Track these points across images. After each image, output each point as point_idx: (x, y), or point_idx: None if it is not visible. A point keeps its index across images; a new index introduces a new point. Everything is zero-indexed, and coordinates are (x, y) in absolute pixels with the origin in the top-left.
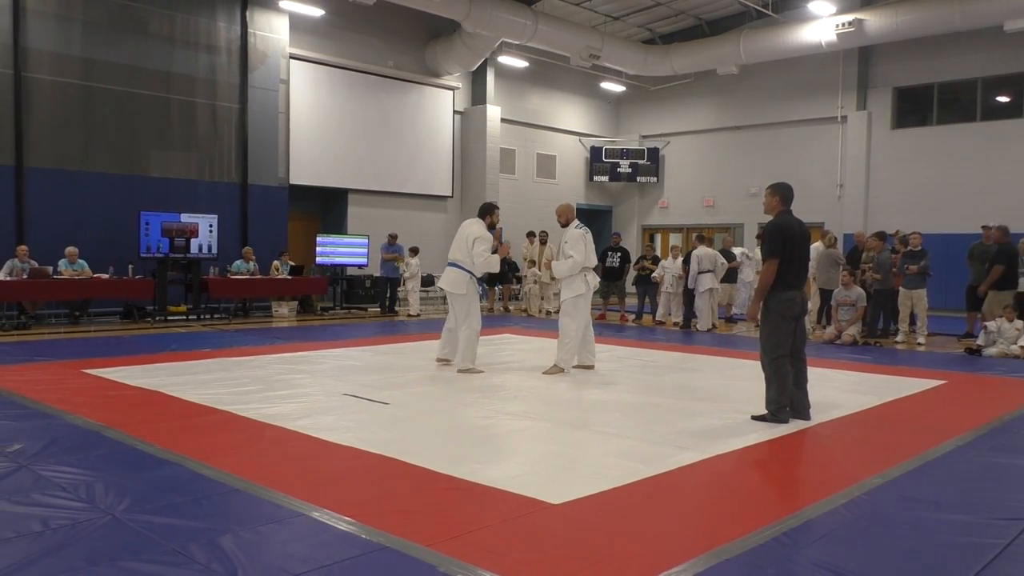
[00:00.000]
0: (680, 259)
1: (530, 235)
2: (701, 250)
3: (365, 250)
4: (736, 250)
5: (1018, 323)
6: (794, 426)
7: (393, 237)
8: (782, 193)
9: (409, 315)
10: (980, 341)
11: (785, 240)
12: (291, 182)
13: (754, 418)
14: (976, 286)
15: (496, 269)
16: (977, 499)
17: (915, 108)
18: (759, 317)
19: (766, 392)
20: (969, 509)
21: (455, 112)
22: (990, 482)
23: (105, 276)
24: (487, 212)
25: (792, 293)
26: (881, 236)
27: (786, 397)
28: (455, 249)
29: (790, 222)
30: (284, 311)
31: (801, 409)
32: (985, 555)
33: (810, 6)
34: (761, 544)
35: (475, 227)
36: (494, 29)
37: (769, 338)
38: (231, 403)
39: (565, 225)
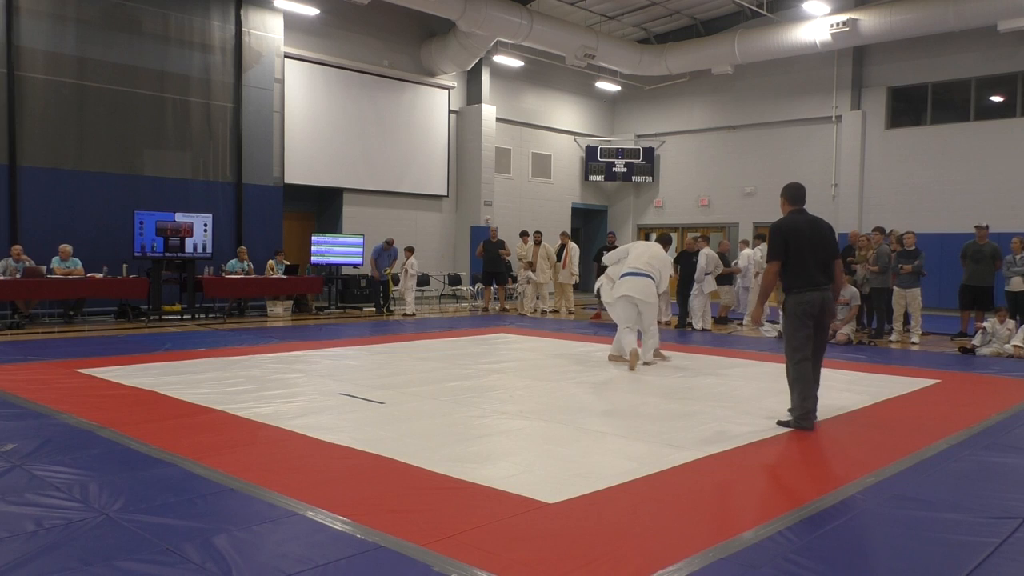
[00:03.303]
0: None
1: (523, 235)
2: (708, 251)
3: (360, 249)
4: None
5: (1010, 323)
6: (789, 427)
7: (389, 242)
8: (786, 193)
9: (405, 315)
10: (976, 341)
11: (786, 241)
12: (286, 181)
13: (780, 424)
14: (970, 285)
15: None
16: (970, 498)
17: (909, 108)
18: (767, 320)
19: (790, 398)
20: (962, 508)
21: (450, 111)
22: (983, 481)
23: (99, 275)
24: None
25: (809, 295)
26: (880, 231)
27: (811, 402)
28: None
29: (796, 221)
30: (279, 311)
31: None
32: (978, 554)
33: (804, 6)
34: (755, 543)
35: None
36: (489, 28)
37: (789, 341)
38: (225, 402)
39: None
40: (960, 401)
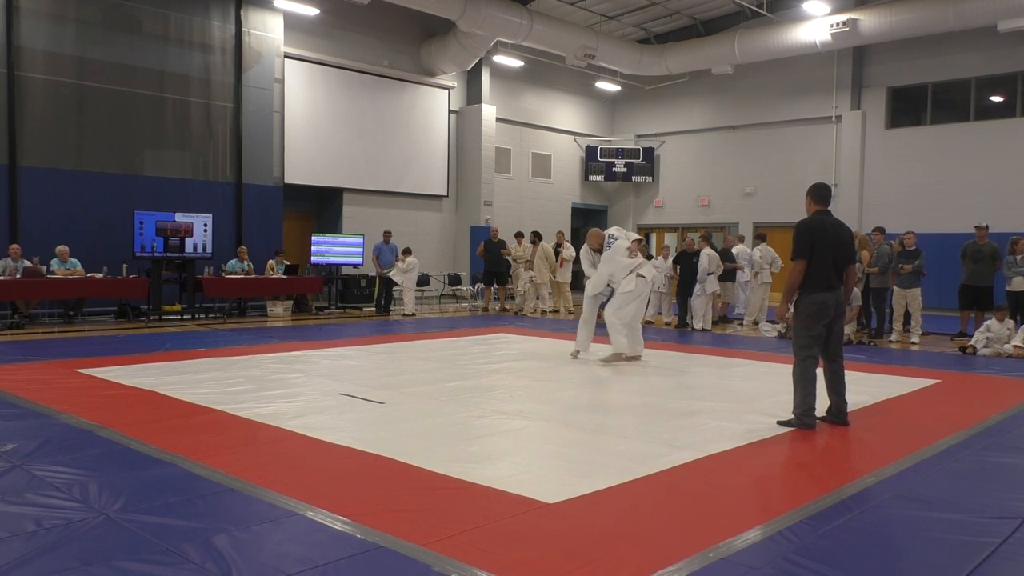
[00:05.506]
0: (671, 258)
1: (518, 235)
2: (710, 251)
3: (360, 249)
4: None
5: (1010, 323)
6: (790, 426)
7: (388, 234)
8: (813, 193)
9: (404, 315)
10: (976, 342)
11: (813, 240)
12: (286, 181)
13: (780, 423)
14: (970, 285)
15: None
16: (970, 498)
17: (909, 108)
18: (788, 317)
19: (793, 396)
20: (962, 508)
21: (450, 111)
22: (983, 481)
23: (99, 275)
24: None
25: (824, 295)
26: (880, 231)
27: (812, 400)
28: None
29: (822, 222)
30: (279, 310)
31: (839, 414)
32: (978, 554)
33: (804, 6)
34: (755, 543)
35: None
36: (489, 28)
37: (797, 339)
38: (225, 402)
39: (597, 250)
40: (960, 401)
